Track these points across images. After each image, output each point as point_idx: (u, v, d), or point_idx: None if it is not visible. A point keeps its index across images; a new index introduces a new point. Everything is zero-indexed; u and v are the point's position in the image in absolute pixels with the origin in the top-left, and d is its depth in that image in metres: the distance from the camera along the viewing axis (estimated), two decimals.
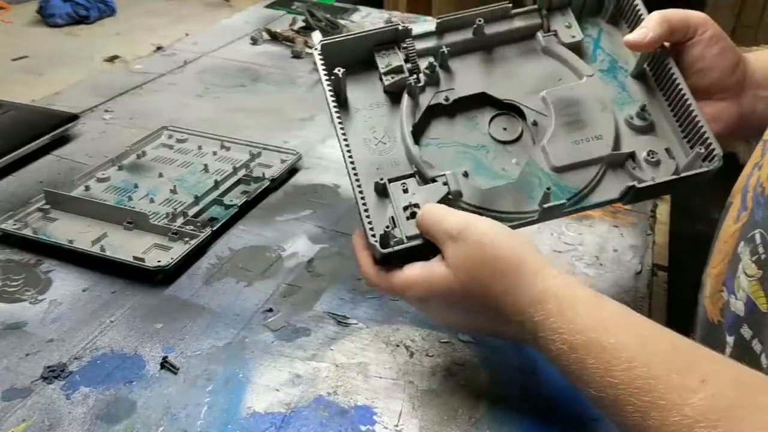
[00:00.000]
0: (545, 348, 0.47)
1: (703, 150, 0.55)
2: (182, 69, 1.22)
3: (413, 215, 0.54)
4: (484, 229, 0.49)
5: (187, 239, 0.73)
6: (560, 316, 0.45)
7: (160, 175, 0.86)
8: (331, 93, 0.57)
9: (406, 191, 0.55)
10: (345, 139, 0.56)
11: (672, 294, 0.73)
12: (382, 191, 0.56)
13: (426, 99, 0.59)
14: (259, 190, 0.84)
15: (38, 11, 1.58)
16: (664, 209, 0.87)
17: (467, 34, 0.62)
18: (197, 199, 0.81)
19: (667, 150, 0.57)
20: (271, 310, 0.67)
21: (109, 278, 0.70)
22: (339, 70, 0.57)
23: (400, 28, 0.61)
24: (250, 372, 0.59)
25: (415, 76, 0.60)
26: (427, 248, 0.52)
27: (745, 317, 0.51)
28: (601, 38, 0.64)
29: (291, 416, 0.55)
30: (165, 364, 0.59)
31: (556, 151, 0.57)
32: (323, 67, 0.58)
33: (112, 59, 1.25)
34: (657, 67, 0.60)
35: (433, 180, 0.55)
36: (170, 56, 1.27)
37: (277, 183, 0.87)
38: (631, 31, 0.61)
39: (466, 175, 0.56)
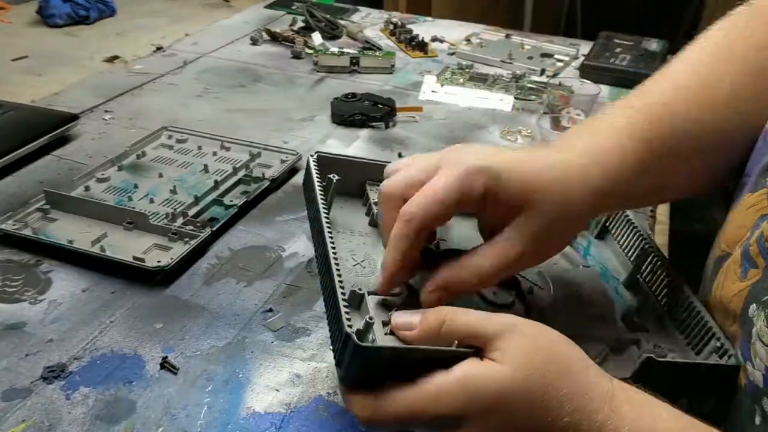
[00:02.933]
0: None
1: (718, 344, 0.49)
2: (182, 69, 1.22)
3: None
4: (537, 327, 0.42)
5: (186, 239, 0.73)
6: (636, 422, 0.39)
7: (160, 176, 0.86)
8: (322, 192, 0.53)
9: (387, 308, 0.47)
10: (330, 233, 0.49)
11: None
12: (357, 302, 0.47)
13: None
14: (259, 191, 0.84)
15: (38, 11, 1.58)
16: (663, 209, 0.87)
17: None
18: (197, 200, 0.81)
19: (671, 351, 0.52)
20: (271, 310, 0.67)
21: (109, 278, 0.70)
22: (333, 176, 0.53)
23: None
24: (249, 372, 0.59)
25: None
26: (431, 360, 0.41)
27: (765, 389, 0.45)
28: (590, 248, 0.62)
29: (291, 416, 0.55)
30: (165, 365, 0.59)
31: (555, 319, 0.48)
32: (318, 173, 0.54)
33: (112, 59, 1.24)
34: (652, 273, 0.57)
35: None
36: (170, 56, 1.27)
37: (277, 183, 0.87)
38: (621, 246, 0.59)
39: None
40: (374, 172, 0.58)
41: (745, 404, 0.48)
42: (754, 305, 0.46)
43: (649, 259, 0.58)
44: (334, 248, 0.47)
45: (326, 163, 0.57)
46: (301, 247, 0.76)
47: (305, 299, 0.68)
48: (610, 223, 0.63)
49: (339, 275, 0.45)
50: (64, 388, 0.57)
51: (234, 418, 0.55)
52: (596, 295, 0.54)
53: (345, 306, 0.43)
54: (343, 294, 0.44)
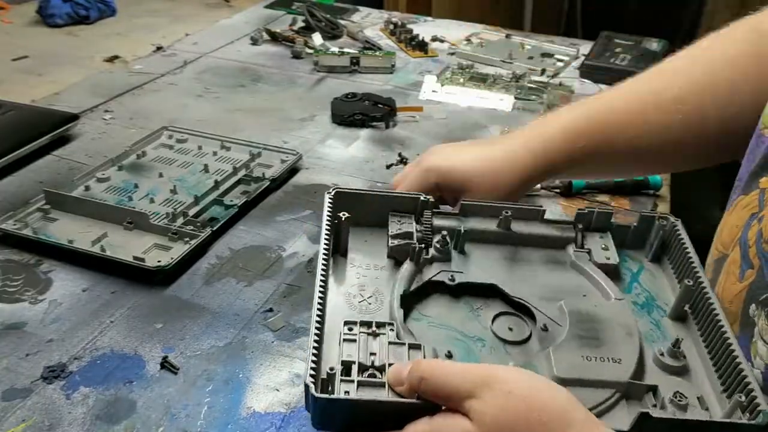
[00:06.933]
0: None
1: (743, 398, 0.45)
2: (182, 69, 1.22)
3: (372, 375, 0.45)
4: (515, 377, 0.41)
5: (187, 239, 0.73)
6: None
7: (160, 175, 0.86)
8: (327, 237, 0.54)
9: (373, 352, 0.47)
10: (322, 286, 0.51)
11: None
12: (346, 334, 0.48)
13: (430, 273, 0.55)
14: (259, 190, 0.84)
15: (38, 11, 1.58)
16: (663, 209, 0.87)
17: (491, 224, 0.59)
18: (197, 199, 0.81)
19: (699, 399, 0.48)
20: (271, 310, 0.67)
21: (109, 278, 0.70)
22: (343, 215, 0.54)
23: (423, 199, 0.59)
24: (250, 372, 0.59)
25: (423, 245, 0.55)
26: (403, 412, 0.42)
27: (766, 387, 0.45)
28: (641, 274, 0.59)
29: (291, 416, 0.55)
30: (165, 364, 0.59)
31: (562, 361, 0.48)
32: (329, 210, 0.56)
33: (112, 59, 1.25)
34: (699, 310, 0.53)
35: (411, 348, 0.47)
36: (170, 56, 1.27)
37: (277, 183, 0.87)
38: (676, 272, 0.57)
39: (449, 356, 0.49)
40: (400, 203, 0.59)
41: None
42: (753, 305, 0.47)
43: (696, 293, 0.53)
44: (321, 300, 0.49)
45: (344, 199, 0.57)
46: (301, 247, 0.76)
47: (305, 299, 0.68)
48: (666, 246, 0.59)
49: (319, 324, 0.47)
50: (65, 387, 0.57)
51: (234, 418, 0.55)
52: (620, 334, 0.51)
53: (314, 353, 0.44)
54: (317, 339, 0.45)
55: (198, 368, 0.60)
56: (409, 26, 1.41)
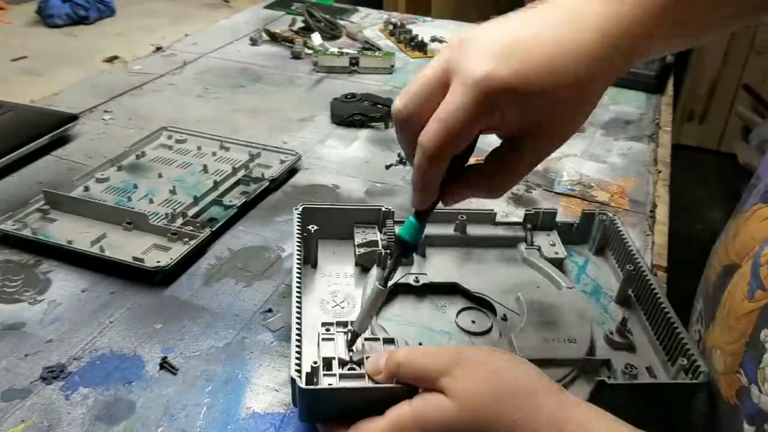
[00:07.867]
0: None
1: (685, 362, 0.51)
2: (181, 69, 1.22)
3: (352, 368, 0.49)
4: (483, 353, 0.45)
5: (186, 240, 0.73)
6: None
7: (160, 176, 0.86)
8: (299, 248, 0.59)
9: (351, 346, 0.50)
10: (298, 289, 0.55)
11: (671, 294, 0.73)
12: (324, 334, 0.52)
13: (395, 276, 0.57)
14: (259, 191, 0.84)
15: (37, 12, 1.59)
16: (663, 210, 0.87)
17: (448, 229, 0.65)
18: (196, 200, 0.81)
19: (648, 369, 0.54)
20: (270, 310, 0.67)
21: (109, 279, 0.70)
22: (311, 227, 0.59)
23: (383, 209, 0.65)
24: (249, 372, 0.59)
25: (388, 251, 0.60)
26: (383, 399, 0.45)
27: None
28: (587, 266, 0.66)
29: (290, 416, 0.55)
30: (164, 365, 0.59)
31: (523, 344, 0.53)
32: (298, 226, 0.61)
33: (111, 60, 1.25)
34: (641, 292, 0.60)
35: (385, 342, 0.51)
36: (169, 57, 1.27)
37: (277, 183, 0.87)
38: (618, 261, 0.64)
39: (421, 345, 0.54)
40: (363, 216, 0.66)
41: (734, 420, 0.47)
42: (766, 330, 0.46)
43: (637, 277, 0.60)
44: (299, 309, 0.53)
45: (312, 214, 0.64)
46: None
47: None
48: (607, 239, 0.66)
49: (299, 323, 0.51)
50: (64, 388, 0.57)
51: (233, 419, 0.55)
52: (573, 318, 0.56)
53: (297, 349, 0.48)
54: (298, 337, 0.49)
55: (197, 369, 0.60)
56: (409, 27, 1.41)
